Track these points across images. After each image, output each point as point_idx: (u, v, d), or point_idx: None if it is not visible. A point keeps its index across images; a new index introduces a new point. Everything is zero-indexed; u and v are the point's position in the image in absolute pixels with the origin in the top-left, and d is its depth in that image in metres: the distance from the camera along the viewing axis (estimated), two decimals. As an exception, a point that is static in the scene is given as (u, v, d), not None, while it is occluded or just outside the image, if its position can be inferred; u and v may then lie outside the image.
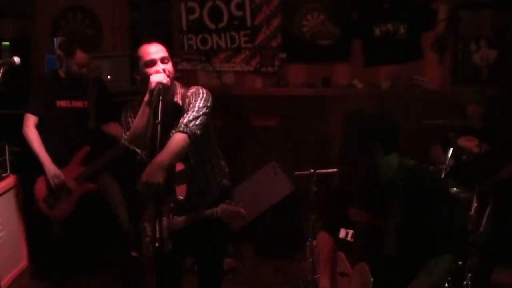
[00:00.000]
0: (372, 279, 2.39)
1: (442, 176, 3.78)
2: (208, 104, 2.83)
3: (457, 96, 4.33)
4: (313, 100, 5.12)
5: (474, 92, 4.19)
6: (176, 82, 2.91)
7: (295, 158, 5.09)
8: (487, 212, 3.79)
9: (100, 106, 4.13)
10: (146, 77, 2.76)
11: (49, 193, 4.02)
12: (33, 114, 4.02)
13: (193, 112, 2.77)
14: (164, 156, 2.64)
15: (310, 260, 4.00)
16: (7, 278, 4.16)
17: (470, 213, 3.68)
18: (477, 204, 3.71)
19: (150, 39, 2.87)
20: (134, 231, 3.93)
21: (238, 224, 2.91)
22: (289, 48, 5.23)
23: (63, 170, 4.02)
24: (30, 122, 4.01)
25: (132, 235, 4.04)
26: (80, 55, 4.00)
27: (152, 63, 2.78)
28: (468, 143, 4.11)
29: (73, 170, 4.06)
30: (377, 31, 5.08)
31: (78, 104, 4.10)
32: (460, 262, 3.54)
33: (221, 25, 5.28)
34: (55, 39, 4.78)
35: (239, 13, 5.23)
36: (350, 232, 2.62)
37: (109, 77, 4.42)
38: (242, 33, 5.25)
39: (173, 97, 2.87)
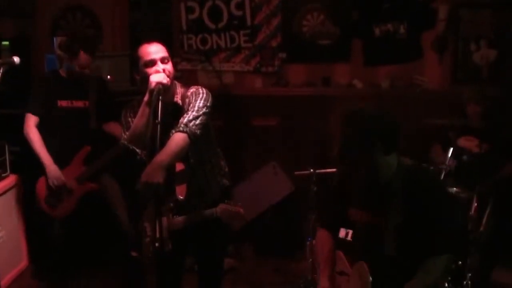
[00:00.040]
0: (371, 278, 2.39)
1: (442, 176, 3.78)
2: (208, 104, 2.83)
3: (457, 95, 4.32)
4: (313, 100, 5.12)
5: (474, 91, 4.18)
6: (176, 82, 2.91)
7: (295, 158, 5.09)
8: (487, 211, 3.78)
9: (101, 105, 4.13)
10: (146, 77, 2.76)
11: (50, 193, 4.02)
12: (34, 114, 4.02)
13: (193, 112, 2.77)
14: (164, 156, 2.64)
15: (310, 260, 4.00)
16: (7, 278, 4.16)
17: (470, 212, 3.68)
18: (477, 204, 3.70)
19: (150, 39, 2.87)
20: (134, 231, 3.93)
21: (237, 224, 2.91)
22: (289, 48, 5.23)
23: (64, 170, 4.02)
24: (31, 122, 4.01)
25: (132, 235, 4.04)
26: (83, 57, 3.99)
27: (152, 63, 2.79)
28: (468, 143, 4.11)
29: (74, 170, 4.06)
30: (377, 31, 5.08)
31: (79, 104, 4.10)
32: (460, 262, 3.55)
33: (221, 24, 5.27)
34: (54, 38, 4.78)
35: (239, 13, 5.23)
36: (350, 232, 2.63)
37: (109, 77, 4.41)
38: (242, 32, 5.25)
39: (173, 97, 2.87)
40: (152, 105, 2.70)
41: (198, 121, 2.75)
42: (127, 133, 2.87)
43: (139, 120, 2.78)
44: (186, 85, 2.97)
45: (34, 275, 4.39)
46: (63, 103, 4.06)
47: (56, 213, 4.06)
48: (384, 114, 2.45)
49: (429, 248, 2.37)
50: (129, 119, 2.90)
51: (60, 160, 4.02)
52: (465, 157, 4.05)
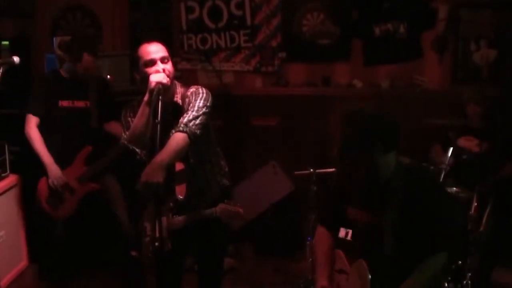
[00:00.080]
0: (370, 276, 2.39)
1: (442, 176, 3.78)
2: (208, 104, 2.83)
3: (457, 95, 4.32)
4: (313, 99, 5.12)
5: (474, 91, 4.18)
6: (176, 82, 2.91)
7: (295, 157, 5.09)
8: (487, 211, 3.78)
9: (102, 105, 4.13)
10: (146, 77, 2.76)
11: (52, 193, 4.02)
12: (34, 114, 4.01)
13: (193, 111, 2.77)
14: (163, 155, 2.64)
15: (310, 260, 4.00)
16: (7, 278, 4.16)
17: (470, 212, 3.68)
18: (477, 204, 3.70)
19: (150, 39, 2.87)
20: (134, 231, 3.93)
21: (237, 223, 2.91)
22: (289, 48, 5.23)
23: (66, 170, 4.01)
24: (32, 123, 4.00)
25: (132, 235, 4.03)
26: (87, 59, 3.99)
27: (152, 62, 2.78)
28: (468, 142, 4.11)
29: (76, 170, 4.06)
30: (377, 30, 5.08)
31: (80, 104, 4.08)
32: (460, 262, 3.55)
33: (220, 24, 5.27)
34: (54, 38, 4.77)
35: (239, 13, 5.23)
36: (350, 231, 2.63)
37: (108, 76, 4.41)
38: (242, 32, 5.25)
39: (173, 96, 2.87)
40: (152, 105, 2.70)
41: (198, 121, 2.75)
42: (127, 133, 2.87)
43: (139, 120, 2.77)
44: (186, 84, 2.96)
45: (34, 275, 4.39)
46: (64, 103, 4.05)
47: (57, 213, 4.05)
48: (383, 113, 2.46)
49: (428, 247, 2.37)
50: (129, 119, 2.90)
51: (61, 160, 4.01)
52: (465, 157, 4.05)
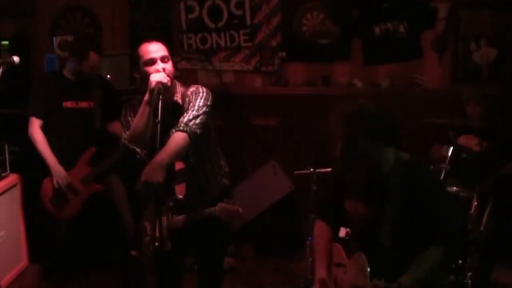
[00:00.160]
0: (369, 270, 2.40)
1: (442, 175, 3.79)
2: (208, 103, 2.82)
3: (457, 95, 4.32)
4: (313, 99, 5.12)
5: (474, 91, 4.18)
6: (176, 81, 2.91)
7: (295, 157, 5.08)
8: (487, 211, 3.78)
9: (105, 105, 4.12)
10: (146, 76, 2.76)
11: (56, 193, 4.01)
12: (38, 117, 3.98)
13: (193, 111, 2.77)
14: (164, 155, 2.64)
15: (310, 259, 4.00)
16: (7, 278, 4.16)
17: (470, 212, 3.68)
18: (477, 203, 3.71)
19: (150, 38, 2.87)
20: (134, 230, 3.93)
21: (237, 223, 2.91)
22: (289, 47, 5.23)
23: (70, 171, 4.01)
24: (35, 125, 3.98)
25: (132, 235, 4.03)
26: (93, 57, 3.98)
27: (152, 61, 2.78)
28: (468, 141, 4.11)
29: (80, 171, 4.05)
30: (377, 30, 5.07)
31: (84, 104, 4.07)
32: (460, 261, 3.55)
33: (220, 24, 5.27)
34: (54, 38, 4.77)
35: (239, 12, 5.23)
36: (350, 231, 2.65)
37: (108, 76, 4.40)
38: (241, 32, 5.25)
39: (173, 96, 2.87)
40: (152, 104, 2.69)
41: (198, 120, 2.75)
42: (127, 132, 2.87)
43: (139, 119, 2.77)
44: (186, 84, 2.96)
45: (34, 275, 4.39)
46: (68, 104, 4.04)
47: (62, 214, 4.04)
48: (383, 109, 2.49)
49: (426, 241, 2.39)
50: (129, 118, 2.90)
51: (65, 161, 4.00)
52: (465, 156, 4.05)
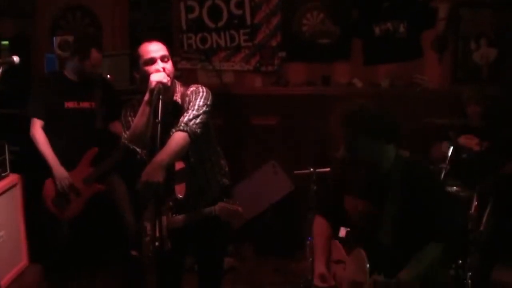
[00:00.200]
0: (368, 266, 2.41)
1: (442, 174, 3.79)
2: (208, 103, 2.83)
3: (457, 95, 4.32)
4: (313, 99, 5.12)
5: (474, 91, 4.18)
6: (175, 81, 2.91)
7: (294, 157, 5.08)
8: (487, 210, 3.79)
9: (107, 105, 4.12)
10: (146, 76, 2.76)
11: (59, 194, 4.01)
12: (39, 118, 3.98)
13: (193, 110, 2.77)
14: (164, 155, 2.64)
15: (310, 259, 4.00)
16: (7, 278, 4.15)
17: (470, 211, 3.69)
18: (477, 203, 3.71)
19: (150, 38, 2.87)
20: (135, 230, 3.93)
21: (237, 222, 2.91)
22: (289, 47, 5.23)
23: (72, 172, 4.01)
24: (37, 125, 3.98)
25: (133, 235, 4.03)
26: (95, 55, 3.98)
27: (152, 61, 2.78)
28: (469, 141, 4.11)
29: (82, 172, 4.04)
30: (377, 30, 5.07)
31: (85, 105, 4.07)
32: (460, 261, 3.56)
33: (220, 24, 5.27)
34: (54, 38, 4.77)
35: (239, 12, 5.23)
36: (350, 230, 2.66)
37: (108, 76, 4.40)
38: (241, 32, 5.25)
39: (173, 96, 2.87)
40: (152, 104, 2.69)
41: (198, 120, 2.75)
42: (127, 132, 2.87)
43: (139, 119, 2.77)
44: (186, 84, 2.96)
45: (34, 275, 4.39)
46: (69, 105, 4.03)
47: (64, 214, 4.04)
48: (383, 109, 2.52)
49: (426, 238, 2.40)
50: (129, 118, 2.90)
51: (67, 162, 4.00)
52: (465, 155, 4.05)
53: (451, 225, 2.44)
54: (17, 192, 4.35)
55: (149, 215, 2.89)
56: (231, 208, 2.82)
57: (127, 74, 4.60)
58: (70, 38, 4.47)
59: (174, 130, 2.72)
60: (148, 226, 2.95)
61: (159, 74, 2.74)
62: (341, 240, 2.72)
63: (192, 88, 2.88)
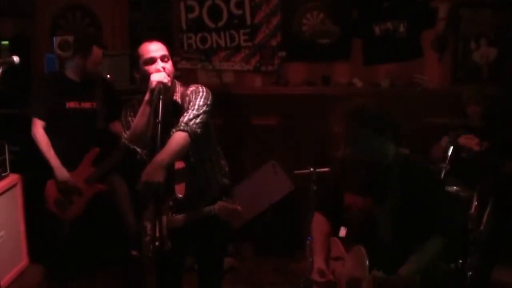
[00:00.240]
0: (367, 262, 2.41)
1: (443, 174, 3.79)
2: (208, 102, 2.83)
3: (457, 94, 4.32)
4: (313, 99, 5.12)
5: (474, 91, 4.18)
6: (175, 81, 2.91)
7: (294, 157, 5.08)
8: (488, 210, 3.78)
9: (108, 105, 4.12)
10: (146, 75, 2.76)
11: (60, 195, 4.01)
12: (40, 119, 3.98)
13: (193, 110, 2.77)
14: (164, 155, 2.63)
15: (310, 259, 3.99)
16: (7, 278, 4.15)
17: (471, 211, 3.68)
18: (477, 203, 3.71)
19: (150, 38, 2.87)
20: (135, 230, 3.93)
21: (237, 222, 2.91)
22: (289, 47, 5.23)
23: (74, 172, 4.01)
24: (38, 126, 3.97)
25: (133, 235, 4.03)
26: (97, 52, 3.99)
27: (152, 61, 2.78)
28: (469, 141, 4.11)
29: (84, 172, 4.04)
30: (377, 29, 5.07)
31: (87, 105, 4.06)
32: (461, 261, 3.56)
33: (220, 24, 5.27)
34: (54, 38, 4.77)
35: (239, 12, 5.23)
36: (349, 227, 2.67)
37: (108, 76, 4.40)
38: (241, 31, 5.25)
39: (173, 95, 2.87)
40: (153, 104, 2.69)
41: (198, 120, 2.75)
42: (128, 132, 2.87)
43: (139, 119, 2.77)
44: (186, 84, 2.96)
45: (34, 275, 4.39)
46: (71, 105, 4.03)
47: (66, 214, 4.04)
48: (383, 108, 2.54)
49: (425, 234, 2.40)
50: (129, 118, 2.90)
51: (68, 162, 4.00)
52: (465, 155, 4.05)
53: (451, 225, 2.45)
54: (17, 192, 4.35)
55: (149, 215, 2.89)
56: (230, 207, 2.82)
57: (127, 74, 4.59)
58: (70, 38, 4.47)
59: (174, 130, 2.72)
60: (148, 226, 2.95)
61: (160, 74, 2.74)
62: (341, 239, 2.72)
63: (192, 88, 2.88)
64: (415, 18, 5.00)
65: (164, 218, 2.80)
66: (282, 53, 5.24)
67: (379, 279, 2.36)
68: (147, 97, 2.73)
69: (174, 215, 2.88)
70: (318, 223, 2.79)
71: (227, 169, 3.09)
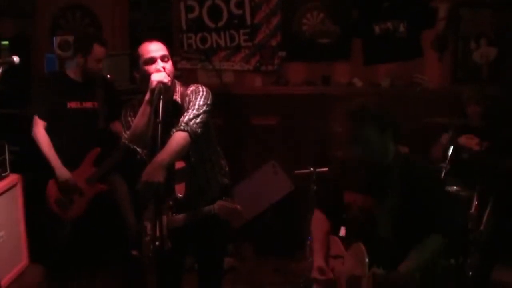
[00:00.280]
0: (367, 259, 2.42)
1: (443, 174, 3.80)
2: (208, 102, 2.82)
3: (457, 94, 4.32)
4: (313, 98, 5.12)
5: (474, 91, 4.19)
6: (175, 81, 2.91)
7: (294, 157, 5.08)
8: (488, 210, 3.79)
9: (109, 105, 4.11)
10: (146, 75, 2.76)
11: (61, 194, 4.01)
12: (41, 118, 3.97)
13: (193, 110, 2.77)
14: (164, 155, 2.63)
15: (310, 259, 4.00)
16: (7, 278, 4.15)
17: (471, 211, 3.69)
18: (477, 203, 3.71)
19: (150, 38, 2.87)
20: (135, 230, 3.93)
21: (237, 222, 2.91)
22: (289, 47, 5.23)
23: (75, 172, 4.01)
24: (39, 125, 3.97)
25: (133, 235, 4.03)
26: (98, 49, 3.98)
27: (152, 60, 2.78)
28: (469, 141, 4.11)
29: (85, 172, 4.04)
30: (377, 29, 5.07)
31: (88, 105, 4.06)
32: (461, 261, 3.56)
33: (220, 23, 5.27)
34: (54, 38, 4.77)
35: (239, 12, 5.23)
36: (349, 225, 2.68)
37: (108, 76, 4.41)
38: (241, 31, 5.25)
39: (173, 95, 2.87)
40: (153, 104, 2.69)
41: (198, 120, 2.75)
42: (128, 132, 2.87)
43: (139, 119, 2.77)
44: (186, 83, 2.96)
45: (34, 275, 4.39)
46: (72, 105, 4.03)
47: (67, 214, 4.04)
48: (383, 107, 2.54)
49: (425, 231, 2.41)
50: (129, 118, 2.90)
51: (69, 162, 4.00)
52: (465, 155, 4.05)
53: (451, 225, 2.46)
54: (17, 192, 4.34)
55: (149, 214, 2.89)
56: (230, 206, 2.82)
57: (127, 74, 4.60)
58: (70, 38, 4.48)
59: (174, 130, 2.72)
60: (148, 225, 2.95)
61: (160, 74, 2.74)
62: (341, 238, 2.73)
63: (192, 88, 2.88)
64: (415, 18, 5.00)
65: (164, 218, 2.80)
66: (282, 53, 5.24)
67: (379, 276, 2.37)
68: (147, 97, 2.73)
69: (174, 215, 2.88)
70: (318, 221, 2.80)
71: (227, 169, 3.09)
